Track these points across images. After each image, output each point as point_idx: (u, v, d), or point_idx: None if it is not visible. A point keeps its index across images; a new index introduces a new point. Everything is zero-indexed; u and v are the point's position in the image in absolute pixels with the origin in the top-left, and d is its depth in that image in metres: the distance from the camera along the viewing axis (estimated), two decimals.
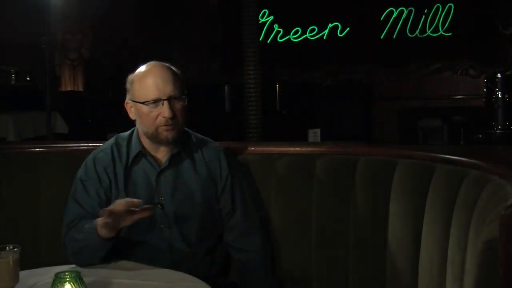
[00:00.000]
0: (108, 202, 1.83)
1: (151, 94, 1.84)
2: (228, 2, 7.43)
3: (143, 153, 1.91)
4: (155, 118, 1.84)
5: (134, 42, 7.77)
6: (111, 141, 1.97)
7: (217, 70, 7.74)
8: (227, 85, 6.70)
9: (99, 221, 1.71)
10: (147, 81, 1.85)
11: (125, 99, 1.93)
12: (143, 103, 1.85)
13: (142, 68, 1.90)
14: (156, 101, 1.84)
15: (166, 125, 1.84)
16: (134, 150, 1.92)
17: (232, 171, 1.97)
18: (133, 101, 1.89)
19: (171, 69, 1.90)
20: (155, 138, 1.88)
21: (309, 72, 7.31)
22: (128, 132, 1.98)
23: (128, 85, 1.91)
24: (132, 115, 1.92)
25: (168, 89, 1.84)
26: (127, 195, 1.84)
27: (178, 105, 1.86)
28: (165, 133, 1.85)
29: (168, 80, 1.85)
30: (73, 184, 1.93)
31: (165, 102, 1.83)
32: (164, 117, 1.83)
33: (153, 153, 1.92)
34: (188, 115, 1.90)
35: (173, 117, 1.83)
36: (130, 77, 1.91)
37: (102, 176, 1.89)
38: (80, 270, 1.40)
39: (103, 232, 1.71)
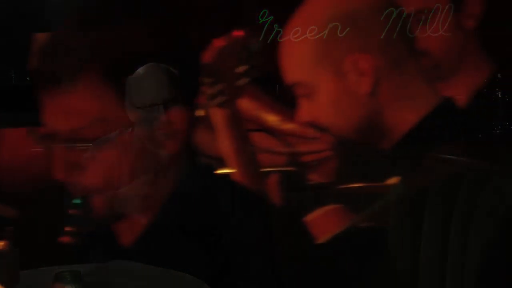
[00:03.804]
0: None
1: (147, 98, 1.82)
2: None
3: None
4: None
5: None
6: None
7: None
8: None
9: None
10: (143, 84, 1.84)
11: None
12: (139, 107, 1.83)
13: (140, 70, 1.88)
14: (151, 106, 1.83)
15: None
16: None
17: None
18: (129, 104, 1.87)
19: (169, 71, 1.88)
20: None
21: None
22: None
23: (126, 88, 1.89)
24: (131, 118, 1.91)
25: (164, 93, 1.83)
26: None
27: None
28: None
29: (164, 83, 1.84)
30: None
31: (161, 107, 1.82)
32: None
33: None
34: None
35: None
36: (128, 79, 1.89)
37: None
38: (80, 270, 1.39)
39: None
